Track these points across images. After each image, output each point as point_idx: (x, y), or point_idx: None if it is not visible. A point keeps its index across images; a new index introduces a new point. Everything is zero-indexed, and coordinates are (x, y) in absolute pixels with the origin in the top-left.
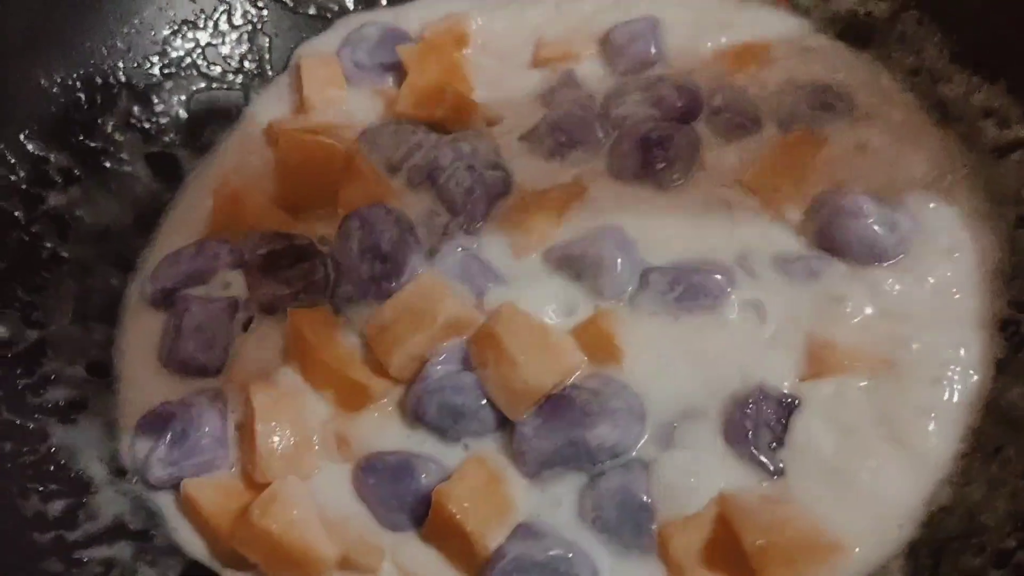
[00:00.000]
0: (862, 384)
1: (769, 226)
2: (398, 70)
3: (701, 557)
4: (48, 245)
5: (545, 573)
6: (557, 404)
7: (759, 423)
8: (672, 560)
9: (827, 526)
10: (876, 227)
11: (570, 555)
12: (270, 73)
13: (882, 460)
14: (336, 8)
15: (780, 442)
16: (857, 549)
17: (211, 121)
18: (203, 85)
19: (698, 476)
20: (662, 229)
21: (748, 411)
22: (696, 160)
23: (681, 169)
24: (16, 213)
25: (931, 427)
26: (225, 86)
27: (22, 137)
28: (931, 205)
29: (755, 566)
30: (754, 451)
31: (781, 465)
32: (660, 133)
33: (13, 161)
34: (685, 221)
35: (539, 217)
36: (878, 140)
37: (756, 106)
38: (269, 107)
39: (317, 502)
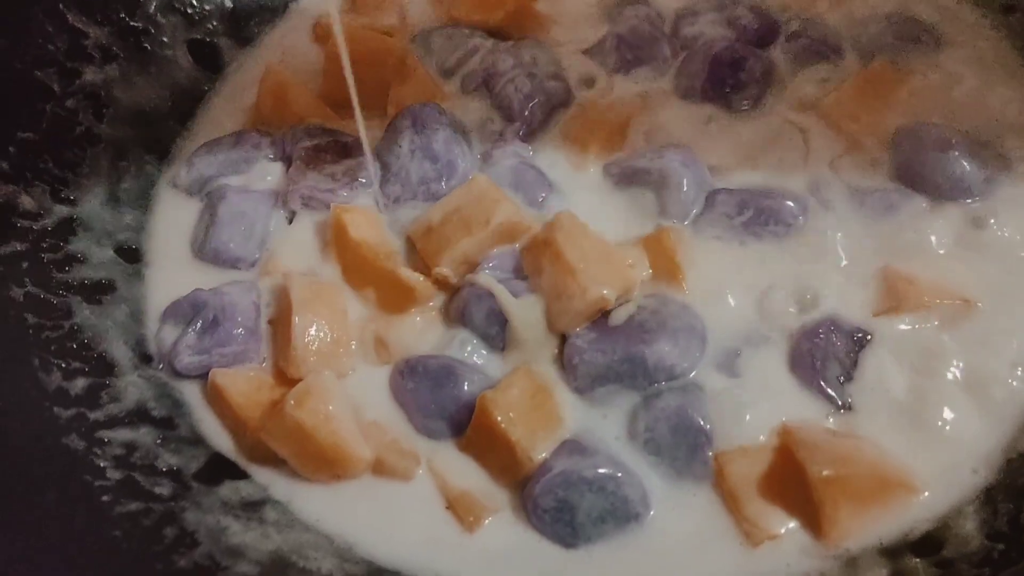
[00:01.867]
0: (939, 323)
1: (845, 157)
2: None
3: (759, 488)
4: (82, 122)
5: (593, 490)
6: (615, 319)
7: (828, 355)
8: (727, 489)
9: (897, 465)
10: (964, 162)
11: (619, 475)
12: None
13: (957, 402)
14: None
15: (849, 376)
16: (927, 493)
17: (257, 13)
18: None
19: (760, 404)
20: (730, 153)
21: (817, 341)
22: (770, 85)
23: (753, 93)
24: (51, 85)
25: (1012, 371)
26: None
27: (62, 7)
28: (1021, 147)
29: (818, 499)
30: (822, 383)
31: (850, 400)
32: (733, 55)
33: (51, 30)
34: (755, 147)
35: (601, 131)
36: (965, 78)
37: (837, 34)
38: (319, 2)
39: (352, 403)
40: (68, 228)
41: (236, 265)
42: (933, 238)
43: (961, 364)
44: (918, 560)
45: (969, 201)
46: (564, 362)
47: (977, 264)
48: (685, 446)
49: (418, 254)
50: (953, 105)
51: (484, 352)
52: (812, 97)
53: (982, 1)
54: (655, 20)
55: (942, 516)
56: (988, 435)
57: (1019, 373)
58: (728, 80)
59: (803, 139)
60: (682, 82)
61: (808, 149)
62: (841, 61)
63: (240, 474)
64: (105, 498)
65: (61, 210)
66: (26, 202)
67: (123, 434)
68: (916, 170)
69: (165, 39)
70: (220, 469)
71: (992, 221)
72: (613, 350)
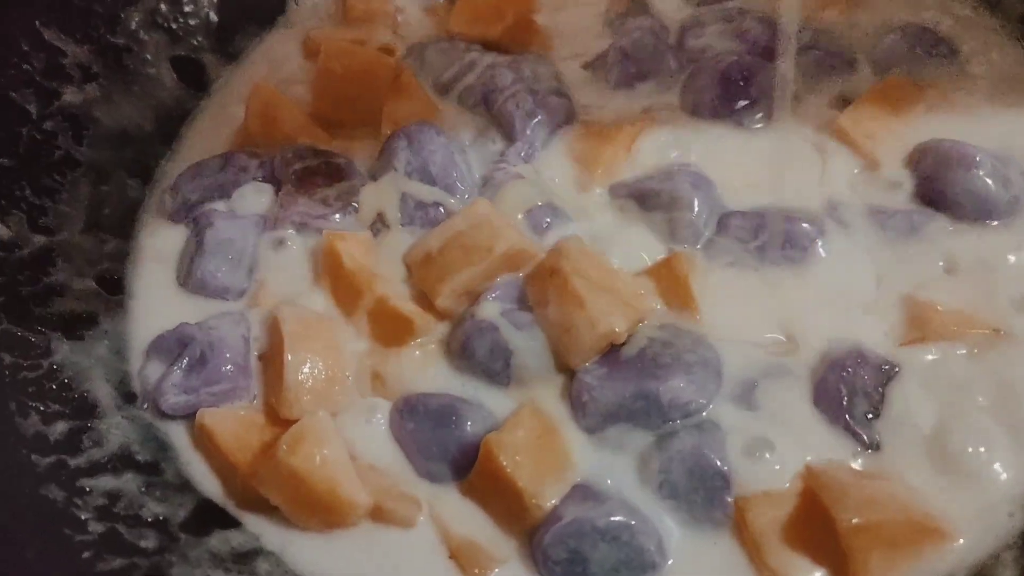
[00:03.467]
0: (968, 353)
1: (863, 175)
2: None
3: (782, 535)
4: (61, 145)
5: (606, 540)
6: (626, 352)
7: (855, 390)
8: (749, 537)
9: (929, 509)
10: (988, 180)
11: (633, 522)
12: None
13: (990, 439)
14: None
15: (877, 413)
16: (962, 540)
17: (243, 27)
18: None
19: (781, 443)
20: (742, 172)
21: (844, 375)
22: (781, 100)
23: (764, 108)
24: (28, 107)
25: None
26: None
27: (38, 24)
28: None
29: (847, 547)
30: (849, 420)
31: (877, 438)
32: (742, 68)
33: (27, 49)
34: (768, 165)
35: (606, 149)
36: (985, 90)
37: (850, 46)
38: (307, 17)
39: (348, 444)
40: (47, 258)
41: (224, 295)
42: (959, 262)
43: (993, 398)
44: None
45: (995, 223)
46: (572, 399)
47: (1006, 290)
48: (703, 490)
49: (416, 283)
50: (974, 120)
51: (488, 389)
52: (826, 113)
53: (1000, 11)
54: (659, 32)
55: (978, 564)
56: None
57: None
58: (738, 95)
59: (819, 157)
60: (690, 97)
61: (824, 167)
62: (855, 74)
63: (230, 522)
64: (86, 554)
65: (39, 239)
66: (1, 232)
67: (106, 482)
68: (938, 190)
69: (148, 56)
70: (209, 517)
71: (1019, 242)
72: (625, 386)
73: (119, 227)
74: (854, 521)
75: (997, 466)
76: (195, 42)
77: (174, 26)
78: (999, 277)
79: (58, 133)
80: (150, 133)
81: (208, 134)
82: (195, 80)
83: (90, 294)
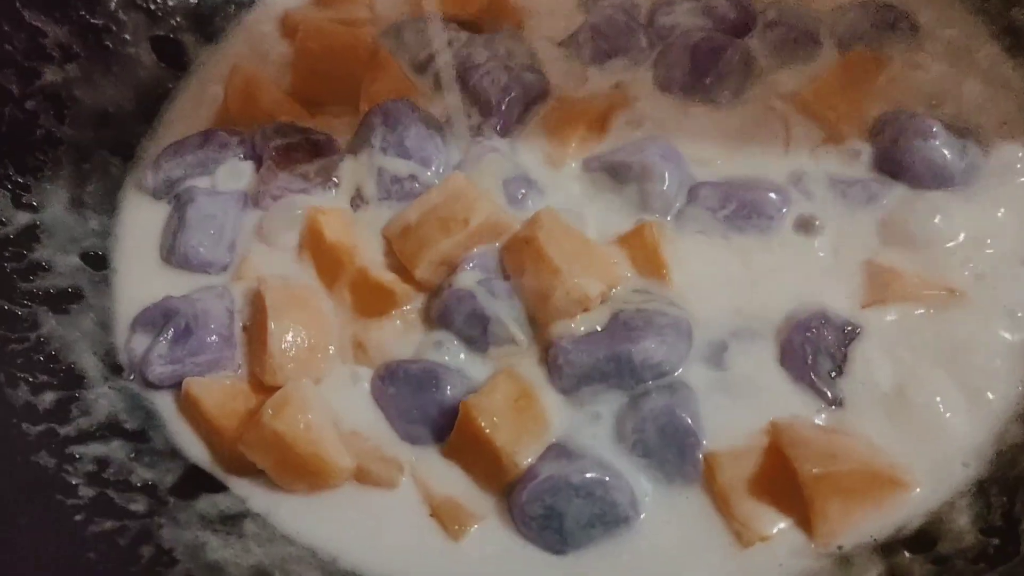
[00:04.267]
0: (926, 314)
1: (826, 147)
2: None
3: (749, 488)
4: (43, 124)
5: (580, 496)
6: (599, 318)
7: (819, 349)
8: (717, 490)
9: (888, 460)
10: (944, 150)
11: (607, 479)
12: None
13: (946, 394)
14: None
15: (840, 371)
16: (919, 488)
17: (222, 8)
18: None
19: (749, 401)
20: (710, 145)
21: (809, 335)
22: (749, 75)
23: (732, 84)
24: (10, 86)
25: (1000, 362)
26: None
27: (19, 4)
28: (1000, 135)
29: (809, 497)
30: (813, 378)
31: (840, 395)
32: (711, 44)
33: (7, 29)
34: (735, 138)
35: (579, 125)
36: (944, 64)
37: (814, 22)
38: None
39: (331, 410)
40: (31, 235)
41: (207, 270)
42: (917, 228)
43: (948, 355)
44: (912, 556)
45: (950, 189)
46: (549, 363)
47: (961, 252)
48: (675, 447)
49: (396, 255)
50: (932, 92)
51: (466, 355)
52: (791, 86)
53: None
54: (631, 10)
55: (935, 511)
56: (978, 428)
57: (1007, 363)
58: (708, 70)
59: (784, 129)
60: (661, 73)
61: (789, 139)
62: (819, 49)
63: (217, 487)
64: (78, 517)
65: (23, 217)
66: None
67: (95, 449)
68: (896, 159)
69: (127, 36)
70: (196, 482)
71: (973, 211)
72: (598, 349)
73: (102, 204)
74: (815, 471)
75: (952, 420)
76: (174, 22)
77: (153, 7)
78: (956, 241)
79: (40, 112)
80: (130, 112)
81: (188, 113)
82: (174, 60)
83: (75, 270)
